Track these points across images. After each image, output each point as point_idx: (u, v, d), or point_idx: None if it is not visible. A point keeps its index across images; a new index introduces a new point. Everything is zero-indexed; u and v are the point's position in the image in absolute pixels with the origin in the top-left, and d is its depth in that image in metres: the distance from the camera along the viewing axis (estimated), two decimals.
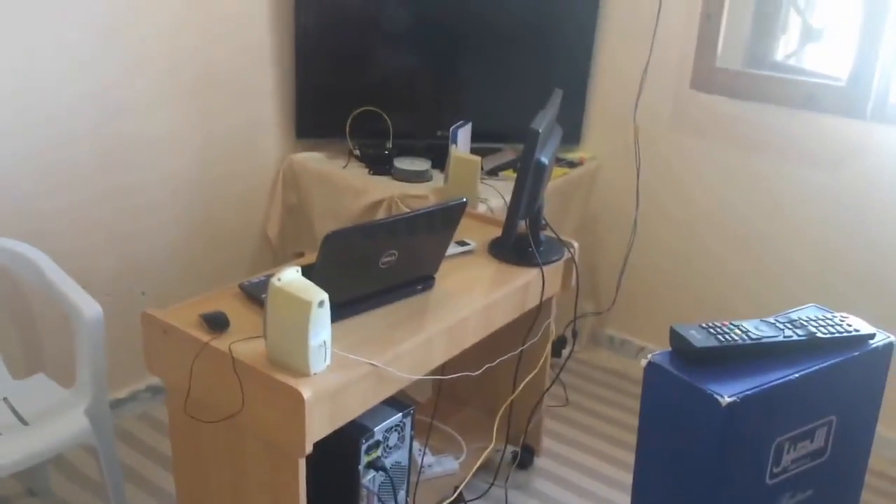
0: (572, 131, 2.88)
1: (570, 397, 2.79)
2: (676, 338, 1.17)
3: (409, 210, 2.34)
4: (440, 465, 2.18)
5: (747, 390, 1.01)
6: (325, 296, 1.42)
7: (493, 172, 2.73)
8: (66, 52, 2.14)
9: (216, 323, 1.58)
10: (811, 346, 1.12)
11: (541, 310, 2.06)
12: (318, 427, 1.46)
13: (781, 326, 1.15)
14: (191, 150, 2.50)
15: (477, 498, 2.24)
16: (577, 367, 3.00)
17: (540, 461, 2.43)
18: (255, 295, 1.69)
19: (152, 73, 2.33)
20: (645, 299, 2.97)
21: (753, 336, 1.12)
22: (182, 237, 2.55)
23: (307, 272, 1.48)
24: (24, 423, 1.82)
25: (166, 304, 1.66)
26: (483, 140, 2.72)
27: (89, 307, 1.79)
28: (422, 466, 2.12)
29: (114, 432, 1.90)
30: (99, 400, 1.82)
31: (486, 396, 2.39)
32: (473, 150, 2.54)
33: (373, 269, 1.65)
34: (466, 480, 2.14)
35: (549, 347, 2.19)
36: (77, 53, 2.16)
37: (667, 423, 1.09)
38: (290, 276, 1.45)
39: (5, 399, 1.90)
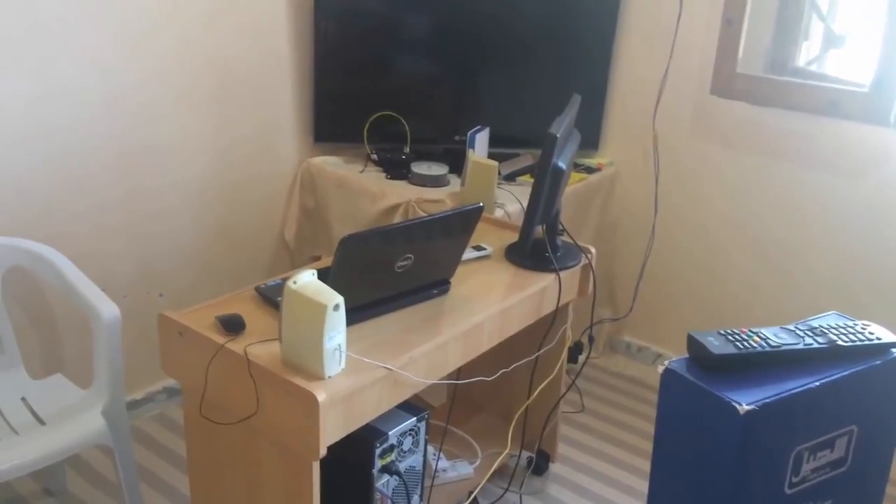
0: (591, 137, 2.87)
1: (587, 403, 2.77)
2: (694, 344, 1.16)
3: (425, 214, 2.34)
4: (455, 470, 2.17)
5: (766, 398, 1.00)
6: (340, 299, 1.42)
7: (510, 177, 2.72)
8: (88, 58, 2.15)
9: (232, 325, 1.58)
10: (832, 355, 1.11)
11: (557, 315, 2.05)
12: (332, 430, 1.46)
13: (802, 334, 1.13)
14: (210, 154, 2.51)
15: (492, 503, 2.23)
16: (594, 373, 2.98)
17: (555, 467, 2.41)
18: (271, 298, 1.69)
19: (173, 78, 2.35)
20: (663, 306, 2.95)
21: (773, 343, 1.11)
22: (200, 240, 2.57)
23: (323, 275, 1.48)
24: (42, 422, 1.83)
25: (184, 306, 1.67)
26: (501, 145, 2.71)
27: (107, 309, 1.80)
28: (436, 471, 2.12)
29: (130, 433, 1.91)
30: (115, 401, 1.82)
31: (501, 402, 2.38)
32: (491, 156, 2.54)
33: (388, 272, 1.65)
34: (481, 486, 2.12)
35: (565, 353, 2.18)
36: (98, 59, 2.17)
37: (684, 430, 1.07)
38: (306, 279, 1.45)
39: (23, 399, 1.92)
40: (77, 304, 1.86)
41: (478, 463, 2.22)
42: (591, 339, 2.37)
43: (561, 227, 2.09)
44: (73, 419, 1.81)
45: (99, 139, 2.23)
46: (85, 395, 1.90)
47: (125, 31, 2.21)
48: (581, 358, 2.77)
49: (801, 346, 1.11)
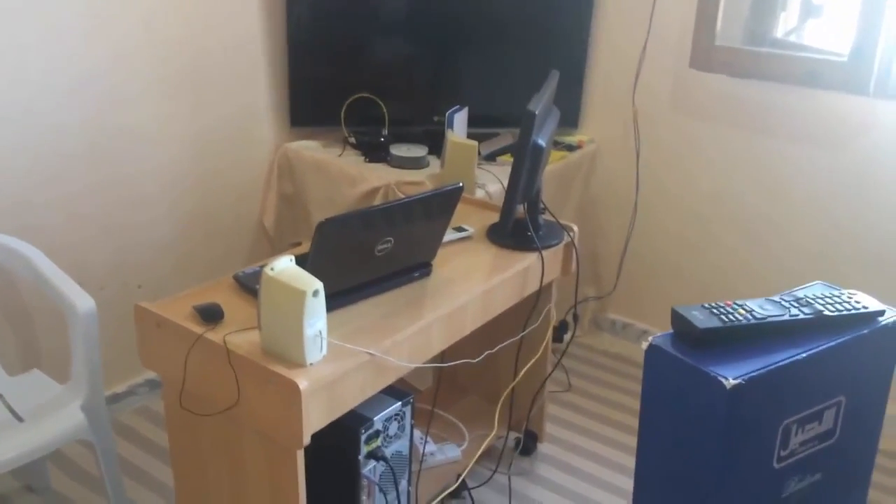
0: (571, 114, 2.85)
1: (573, 382, 2.77)
2: (678, 319, 1.14)
3: (405, 196, 2.31)
4: (442, 454, 2.16)
5: (752, 372, 0.98)
6: (319, 285, 1.40)
7: (490, 157, 2.69)
8: (53, 44, 2.10)
9: (210, 315, 1.55)
10: (818, 325, 1.09)
11: (541, 295, 2.03)
12: (315, 418, 1.44)
13: (787, 305, 1.12)
14: (183, 140, 2.47)
15: (480, 485, 2.22)
16: (580, 351, 2.97)
17: (543, 447, 2.41)
18: (250, 285, 1.66)
19: (141, 63, 2.30)
20: (647, 282, 2.94)
21: (758, 315, 1.09)
22: (178, 229, 2.53)
23: (302, 261, 1.45)
24: (20, 419, 1.80)
25: (163, 296, 1.64)
26: (481, 125, 2.68)
27: (82, 301, 1.77)
28: (424, 455, 2.10)
29: (112, 427, 1.88)
30: (95, 395, 1.79)
31: (487, 383, 2.36)
32: (471, 136, 2.51)
33: (368, 256, 1.62)
34: (469, 468, 2.12)
35: (550, 332, 2.16)
36: (64, 44, 2.12)
37: (669, 406, 1.06)
38: (284, 266, 1.42)
39: (0, 396, 1.88)
40: (52, 298, 1.82)
41: (465, 445, 2.21)
42: (575, 318, 2.36)
43: (542, 206, 2.07)
44: (51, 415, 1.77)
45: (68, 126, 2.18)
46: (63, 390, 1.87)
47: (90, 12, 2.15)
48: (566, 337, 2.76)
49: (786, 318, 1.10)
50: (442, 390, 2.34)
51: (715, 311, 1.10)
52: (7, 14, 2.00)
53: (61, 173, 2.20)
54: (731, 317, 1.09)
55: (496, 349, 1.98)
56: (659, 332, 1.12)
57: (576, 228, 2.10)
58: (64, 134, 2.18)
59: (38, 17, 2.05)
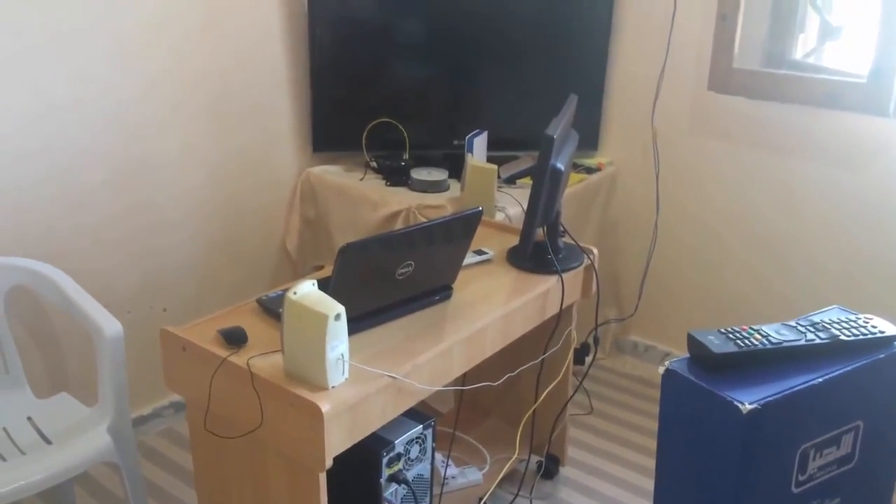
0: (590, 137, 2.87)
1: (595, 405, 2.76)
2: (694, 344, 1.15)
3: (425, 220, 2.33)
4: (464, 477, 2.16)
5: (769, 396, 0.99)
6: (341, 309, 1.42)
7: (510, 180, 2.71)
8: (82, 74, 2.16)
9: (234, 338, 1.58)
10: (835, 350, 1.09)
11: (561, 317, 2.04)
12: (337, 441, 1.45)
13: (803, 330, 1.12)
14: (208, 166, 2.51)
15: None
16: (602, 374, 2.97)
17: (565, 471, 2.40)
18: (273, 309, 1.69)
19: (168, 91, 2.35)
20: (668, 304, 2.93)
21: (774, 340, 1.10)
22: (202, 253, 2.57)
23: (324, 285, 1.48)
24: (48, 441, 1.83)
25: (187, 320, 1.67)
26: (500, 148, 2.71)
27: (110, 325, 1.80)
28: (445, 478, 2.11)
29: (137, 449, 1.91)
30: (121, 417, 1.82)
31: (508, 406, 2.37)
32: (491, 159, 2.53)
33: (389, 280, 1.64)
34: (490, 491, 2.12)
35: (570, 355, 2.17)
36: (93, 74, 2.18)
37: (687, 431, 1.06)
38: (306, 290, 1.44)
39: (29, 418, 1.91)
40: (79, 322, 1.86)
41: (487, 469, 2.21)
42: (596, 340, 2.36)
43: (562, 229, 2.08)
44: (79, 437, 1.80)
45: (96, 155, 2.24)
46: (90, 412, 1.90)
47: (119, 46, 2.21)
48: (587, 359, 2.76)
49: (802, 343, 1.10)
50: (463, 413, 2.35)
51: (731, 335, 1.11)
52: (37, 47, 2.06)
53: (88, 200, 2.25)
54: (747, 342, 1.09)
55: (517, 372, 1.99)
56: (681, 354, 1.12)
57: (595, 251, 2.11)
58: (91, 161, 2.23)
59: (68, 50, 2.11)
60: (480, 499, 2.08)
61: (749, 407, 0.98)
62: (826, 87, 2.37)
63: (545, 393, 2.09)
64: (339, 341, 1.44)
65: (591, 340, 2.39)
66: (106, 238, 2.31)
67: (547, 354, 2.09)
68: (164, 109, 2.36)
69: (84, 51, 2.15)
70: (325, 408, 1.39)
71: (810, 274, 2.58)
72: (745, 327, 1.14)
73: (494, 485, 2.13)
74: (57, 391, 2.06)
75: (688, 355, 1.14)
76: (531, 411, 2.11)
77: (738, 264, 2.74)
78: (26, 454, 1.78)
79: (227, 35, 2.45)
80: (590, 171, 2.82)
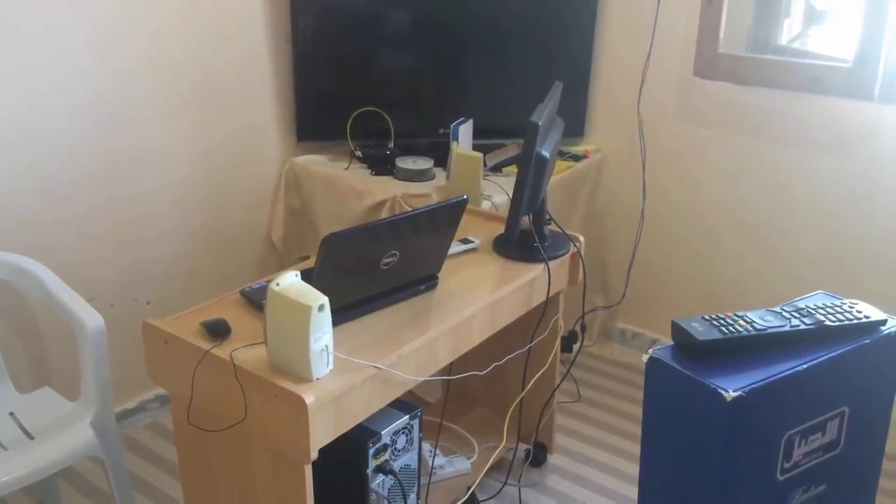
0: (576, 124, 2.86)
1: (583, 393, 2.76)
2: (678, 331, 1.14)
3: (411, 209, 2.32)
4: (452, 466, 2.16)
5: (753, 383, 0.98)
6: (324, 299, 1.40)
7: (496, 168, 2.70)
8: (63, 65, 2.13)
9: (217, 330, 1.56)
10: (820, 335, 1.09)
11: (548, 305, 2.03)
12: (322, 432, 1.44)
13: (788, 316, 1.12)
14: (191, 157, 2.49)
15: (490, 498, 2.22)
16: (590, 362, 2.97)
17: (553, 458, 2.40)
18: (257, 301, 1.67)
19: (149, 82, 2.32)
20: (656, 291, 2.94)
21: (759, 327, 1.09)
22: (186, 245, 2.54)
23: (307, 276, 1.46)
24: (31, 437, 1.81)
25: (173, 312, 1.65)
26: (486, 136, 2.69)
27: (92, 319, 1.78)
28: (433, 468, 2.10)
29: (123, 442, 1.90)
30: (104, 411, 1.81)
31: (496, 395, 2.36)
32: (476, 147, 2.52)
33: (374, 270, 1.63)
34: (479, 480, 2.11)
35: (557, 343, 2.16)
36: (73, 66, 2.15)
37: (671, 419, 1.06)
38: (289, 281, 1.43)
39: (11, 414, 1.90)
40: (61, 316, 1.84)
41: (475, 458, 2.21)
42: (583, 328, 2.36)
43: (548, 217, 2.08)
44: (62, 432, 1.79)
45: (78, 146, 2.21)
46: (73, 407, 1.88)
47: (98, 36, 2.18)
48: (575, 347, 2.76)
49: (787, 329, 1.09)
50: (451, 402, 2.34)
51: (715, 322, 1.10)
52: (17, 36, 2.03)
53: (71, 192, 2.22)
54: (731, 328, 1.08)
55: (504, 361, 1.98)
56: (669, 340, 1.12)
57: (582, 238, 2.10)
58: (73, 153, 2.20)
59: (48, 39, 2.08)
60: (469, 488, 2.08)
61: (733, 394, 0.97)
62: (811, 71, 2.36)
63: (532, 381, 2.09)
64: (322, 332, 1.42)
65: (578, 328, 2.39)
66: (89, 231, 2.28)
67: (534, 343, 2.09)
68: (146, 100, 2.33)
69: (63, 40, 2.12)
70: (309, 399, 1.38)
71: (797, 259, 2.59)
72: (729, 314, 1.14)
73: (482, 473, 2.13)
74: (39, 386, 2.04)
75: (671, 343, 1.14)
76: (518, 400, 2.10)
77: (724, 250, 2.74)
78: (8, 450, 1.77)
79: (207, 24, 2.42)
80: (576, 158, 2.81)
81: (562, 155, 2.79)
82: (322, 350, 1.43)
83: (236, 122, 2.58)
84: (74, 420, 1.81)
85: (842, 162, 2.43)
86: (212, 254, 2.62)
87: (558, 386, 2.25)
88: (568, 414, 2.64)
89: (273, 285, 1.41)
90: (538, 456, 2.36)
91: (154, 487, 2.26)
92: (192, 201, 2.52)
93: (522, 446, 2.34)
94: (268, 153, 2.71)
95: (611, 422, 2.62)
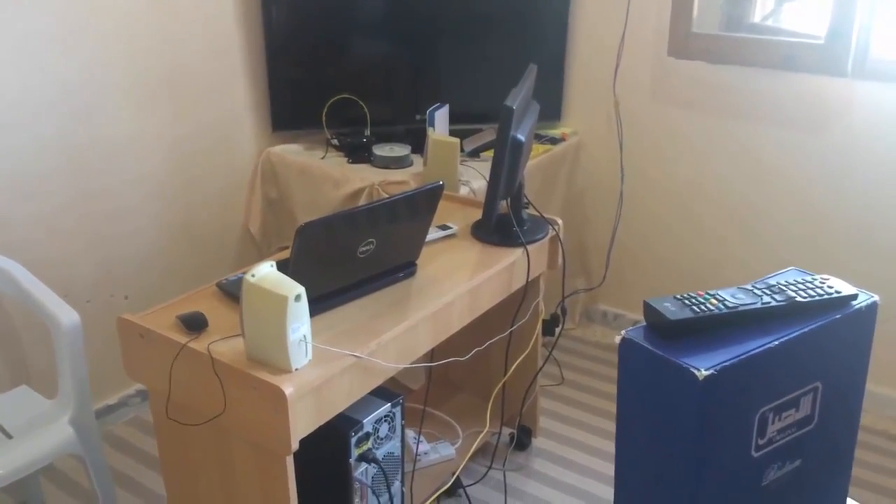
0: (552, 107, 2.85)
1: (566, 375, 2.78)
2: (650, 311, 1.14)
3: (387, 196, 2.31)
4: (436, 452, 2.16)
5: (725, 361, 0.98)
6: (301, 289, 1.40)
7: (474, 153, 2.69)
8: (26, 57, 2.09)
9: (193, 324, 1.55)
10: (791, 312, 1.09)
11: (528, 289, 2.03)
12: (303, 423, 1.44)
13: (759, 293, 1.12)
14: (164, 149, 2.46)
15: (475, 482, 2.23)
16: (572, 344, 2.98)
17: (537, 442, 2.42)
18: (233, 293, 1.66)
19: (117, 73, 2.29)
20: (636, 272, 2.95)
21: (730, 304, 1.09)
22: (162, 238, 2.52)
23: (283, 266, 1.46)
24: (9, 436, 1.80)
25: (151, 307, 1.64)
26: (463, 121, 2.68)
27: (66, 316, 1.77)
28: (417, 454, 2.11)
29: (104, 439, 1.89)
30: (83, 408, 1.80)
31: (479, 380, 2.37)
32: (453, 132, 2.51)
33: (351, 258, 1.62)
34: (463, 465, 2.12)
35: (539, 327, 2.17)
36: (37, 58, 2.11)
37: (645, 400, 1.06)
38: (265, 272, 1.42)
39: None
40: (36, 314, 1.82)
41: (459, 443, 2.22)
42: (563, 311, 2.36)
43: (526, 201, 2.07)
44: (40, 430, 1.78)
45: (45, 140, 2.18)
46: (51, 405, 1.87)
47: (62, 24, 2.14)
48: (557, 330, 2.76)
49: (759, 306, 1.09)
50: (433, 389, 2.35)
51: (687, 301, 1.10)
52: None
53: (41, 188, 2.19)
54: (702, 307, 1.08)
55: (485, 346, 1.98)
56: None
57: (560, 221, 2.10)
58: (41, 148, 2.17)
59: (9, 31, 2.04)
60: (453, 473, 2.09)
61: (705, 373, 0.97)
62: (785, 49, 2.37)
63: (515, 365, 2.09)
64: (300, 323, 1.42)
65: (559, 311, 2.39)
66: (61, 227, 2.26)
67: (515, 327, 2.09)
68: (114, 91, 2.30)
69: (26, 32, 2.08)
70: (288, 391, 1.37)
71: (774, 237, 2.60)
72: (700, 292, 1.14)
73: (467, 459, 2.14)
74: (17, 384, 2.03)
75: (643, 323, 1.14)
76: (501, 384, 2.11)
77: (702, 229, 2.75)
78: None
79: (175, 14, 2.39)
80: (553, 141, 2.81)
81: (539, 138, 2.79)
82: (300, 341, 1.43)
83: (209, 112, 2.56)
84: (53, 418, 1.80)
85: (816, 138, 2.45)
86: (189, 246, 2.60)
87: (541, 369, 2.26)
88: (551, 397, 2.65)
89: (249, 276, 1.40)
90: (522, 439, 2.37)
91: (137, 483, 2.25)
92: (167, 194, 2.50)
93: (506, 430, 2.35)
94: (243, 143, 2.69)
95: (594, 403, 2.63)
